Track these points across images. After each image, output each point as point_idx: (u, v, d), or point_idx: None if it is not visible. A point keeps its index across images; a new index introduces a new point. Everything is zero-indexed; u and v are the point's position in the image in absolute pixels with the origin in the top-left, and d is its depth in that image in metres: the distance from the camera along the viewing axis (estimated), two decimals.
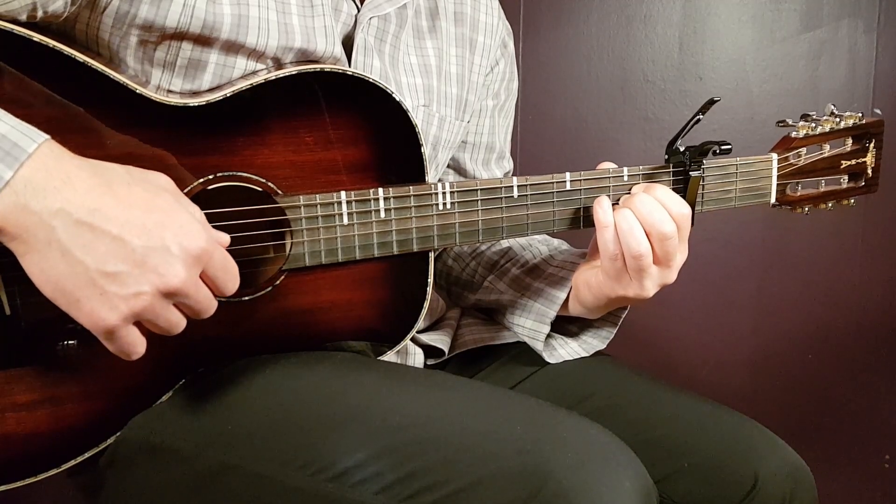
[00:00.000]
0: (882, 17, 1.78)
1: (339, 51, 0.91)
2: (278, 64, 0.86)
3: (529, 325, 1.02)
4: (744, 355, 1.93)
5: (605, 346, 1.05)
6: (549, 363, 1.04)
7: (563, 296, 0.99)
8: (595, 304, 0.96)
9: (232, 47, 0.82)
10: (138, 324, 0.67)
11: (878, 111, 1.77)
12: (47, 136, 0.63)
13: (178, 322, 0.69)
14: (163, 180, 0.71)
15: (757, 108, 1.82)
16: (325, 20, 0.89)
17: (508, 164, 1.21)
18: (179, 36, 0.80)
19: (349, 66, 0.93)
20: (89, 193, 0.63)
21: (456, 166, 1.14)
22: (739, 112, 1.82)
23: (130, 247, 0.63)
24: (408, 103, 0.98)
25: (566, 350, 1.05)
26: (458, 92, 1.05)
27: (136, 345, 0.67)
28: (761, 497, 0.90)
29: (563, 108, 1.82)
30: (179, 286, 0.66)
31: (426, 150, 0.87)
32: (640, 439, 0.94)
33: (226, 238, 0.73)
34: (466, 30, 1.07)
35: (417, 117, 0.99)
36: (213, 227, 0.80)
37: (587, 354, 1.04)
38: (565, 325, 1.06)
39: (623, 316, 1.03)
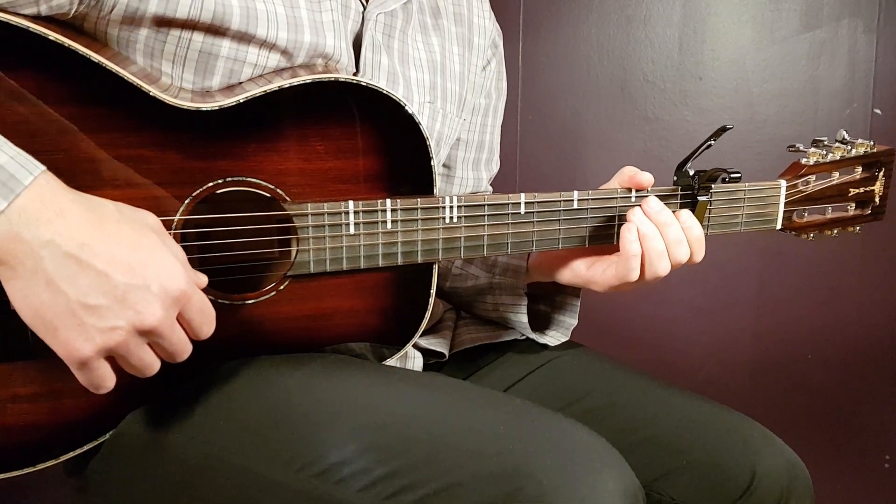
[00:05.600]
0: (882, 17, 1.78)
1: (347, 47, 0.92)
2: (290, 58, 0.87)
3: (510, 302, 1.05)
4: (744, 355, 1.93)
5: (576, 319, 1.08)
6: (547, 361, 1.05)
7: (522, 264, 1.03)
8: (569, 283, 1.00)
9: (243, 38, 0.83)
10: (112, 361, 0.68)
11: (878, 111, 1.78)
12: (43, 168, 0.65)
13: (151, 363, 0.70)
14: (151, 219, 0.72)
15: (757, 108, 1.82)
16: (332, 15, 0.90)
17: (496, 166, 1.22)
18: (191, 26, 0.81)
19: (358, 63, 0.94)
20: (80, 228, 0.65)
21: (446, 163, 1.15)
22: (739, 112, 1.82)
23: (113, 283, 0.65)
24: (415, 99, 0.99)
25: (545, 340, 1.08)
26: (459, 89, 1.07)
27: (106, 379, 0.68)
28: (759, 493, 0.90)
29: (563, 108, 1.82)
30: (155, 325, 0.67)
31: (435, 163, 0.88)
32: (638, 437, 0.95)
33: (203, 279, 0.75)
34: (465, 30, 1.08)
35: (423, 113, 1.00)
36: (220, 230, 0.81)
37: (566, 338, 1.08)
38: (533, 305, 1.08)
39: None
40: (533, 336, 1.07)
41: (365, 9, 0.95)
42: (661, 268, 0.91)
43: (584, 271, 0.97)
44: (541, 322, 1.09)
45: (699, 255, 0.94)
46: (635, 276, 0.91)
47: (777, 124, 1.82)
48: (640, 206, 0.93)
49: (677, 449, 0.94)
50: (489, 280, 1.07)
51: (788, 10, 1.79)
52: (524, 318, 1.05)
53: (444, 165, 1.15)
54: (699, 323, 1.91)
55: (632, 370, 1.05)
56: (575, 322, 1.08)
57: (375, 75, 0.96)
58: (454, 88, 1.06)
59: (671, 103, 1.81)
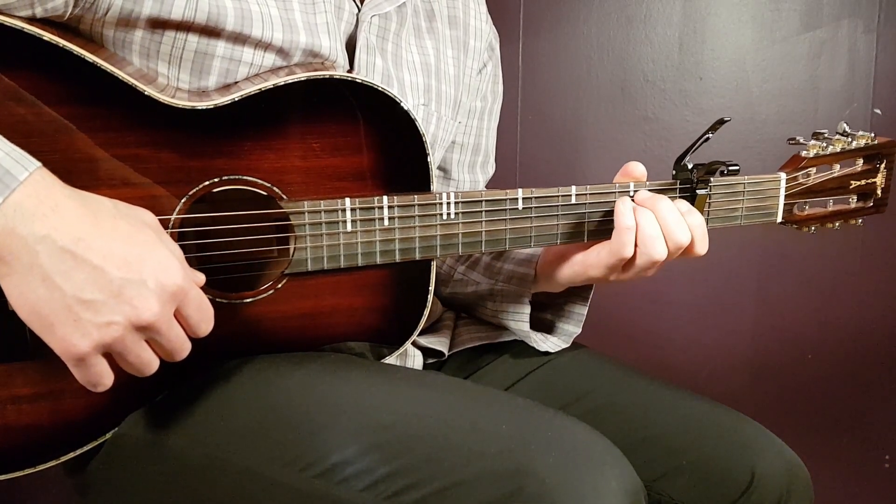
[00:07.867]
0: (882, 17, 1.78)
1: (341, 49, 0.92)
2: (286, 57, 0.86)
3: (511, 310, 1.03)
4: (744, 355, 1.93)
5: (580, 328, 1.06)
6: (547, 361, 1.05)
7: (531, 272, 1.01)
8: (570, 281, 0.99)
9: (238, 38, 0.83)
10: (110, 359, 0.68)
11: (877, 111, 1.77)
12: (39, 164, 0.65)
13: (149, 361, 0.69)
14: (147, 216, 0.72)
15: (757, 108, 1.82)
16: (327, 17, 0.90)
17: (492, 169, 1.22)
18: (185, 27, 0.81)
19: (352, 64, 0.94)
20: (76, 223, 0.64)
21: (442, 166, 1.15)
22: (739, 112, 1.82)
23: (108, 277, 0.64)
24: (409, 102, 0.99)
25: (547, 345, 1.06)
26: (454, 92, 1.07)
27: (104, 376, 0.68)
28: (758, 493, 0.90)
29: (563, 108, 1.82)
30: (152, 320, 0.66)
31: (432, 160, 0.88)
32: (638, 437, 0.95)
33: (201, 277, 0.74)
34: (460, 33, 1.08)
35: (417, 116, 1.00)
36: (217, 229, 0.81)
37: (567, 345, 1.06)
38: (538, 313, 1.07)
39: (591, 294, 1.05)
40: (533, 343, 1.06)
41: (359, 10, 0.95)
42: (657, 250, 0.89)
43: (581, 258, 0.96)
44: (543, 329, 1.09)
45: (701, 244, 0.92)
46: (629, 251, 0.89)
47: (777, 124, 1.82)
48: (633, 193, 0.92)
49: (677, 449, 0.94)
50: (490, 286, 1.06)
51: (788, 10, 1.79)
52: (525, 327, 1.04)
53: (440, 168, 1.15)
54: (699, 323, 1.91)
55: (632, 370, 1.05)
56: (578, 331, 1.06)
57: (370, 76, 0.95)
58: (449, 91, 1.06)
59: (671, 103, 1.81)
